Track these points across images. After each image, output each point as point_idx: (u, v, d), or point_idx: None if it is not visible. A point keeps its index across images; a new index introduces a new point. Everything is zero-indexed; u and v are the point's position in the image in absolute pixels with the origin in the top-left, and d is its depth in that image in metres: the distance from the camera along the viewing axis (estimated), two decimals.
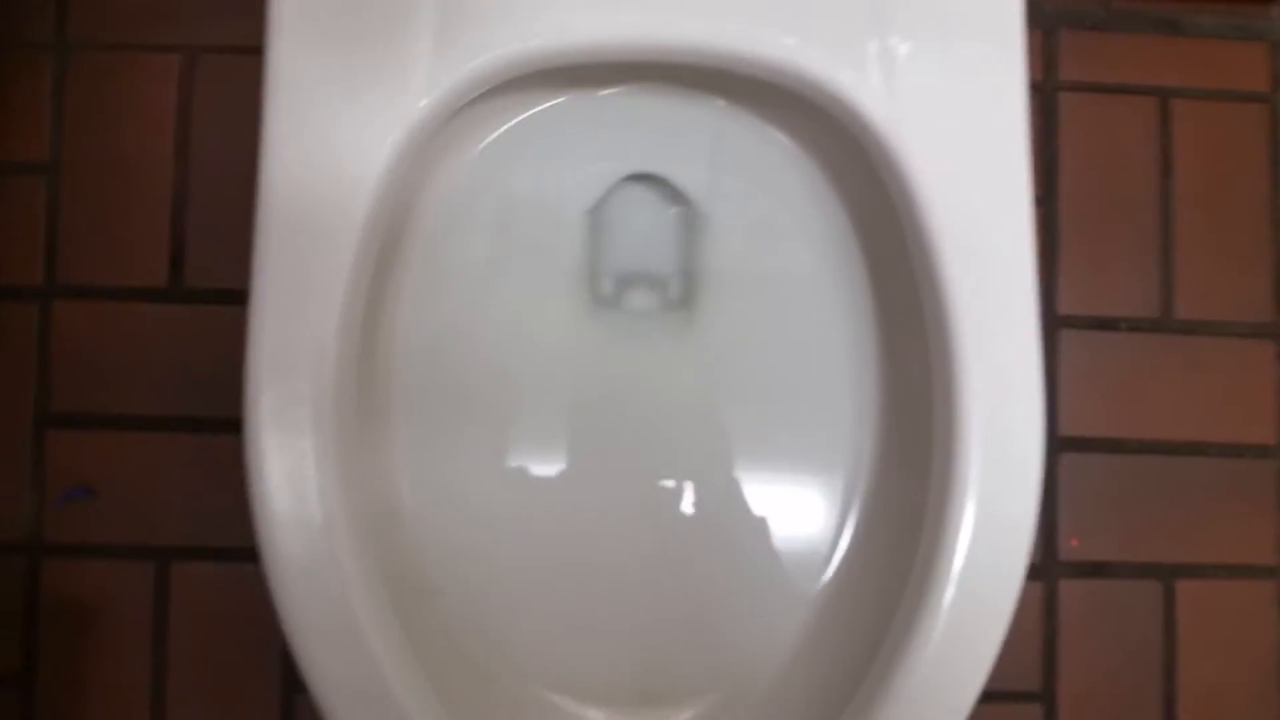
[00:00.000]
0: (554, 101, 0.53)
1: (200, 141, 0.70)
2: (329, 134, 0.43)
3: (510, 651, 0.51)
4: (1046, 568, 0.74)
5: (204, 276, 0.70)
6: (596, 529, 0.53)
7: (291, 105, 0.43)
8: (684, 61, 0.46)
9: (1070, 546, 0.75)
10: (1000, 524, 0.43)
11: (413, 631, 0.43)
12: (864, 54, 0.44)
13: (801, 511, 0.53)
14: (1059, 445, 0.77)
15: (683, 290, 0.56)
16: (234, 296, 0.68)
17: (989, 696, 0.73)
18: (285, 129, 0.43)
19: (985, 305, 0.43)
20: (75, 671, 0.67)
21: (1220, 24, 0.89)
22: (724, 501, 0.53)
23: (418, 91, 0.43)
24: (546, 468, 0.53)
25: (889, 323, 0.52)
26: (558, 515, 0.53)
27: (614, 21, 0.44)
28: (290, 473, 0.41)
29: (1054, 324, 0.79)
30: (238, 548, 0.67)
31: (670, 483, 0.54)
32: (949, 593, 0.43)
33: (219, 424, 0.68)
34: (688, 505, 0.54)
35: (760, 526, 0.53)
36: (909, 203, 0.44)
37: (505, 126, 0.53)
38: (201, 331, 0.69)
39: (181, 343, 0.69)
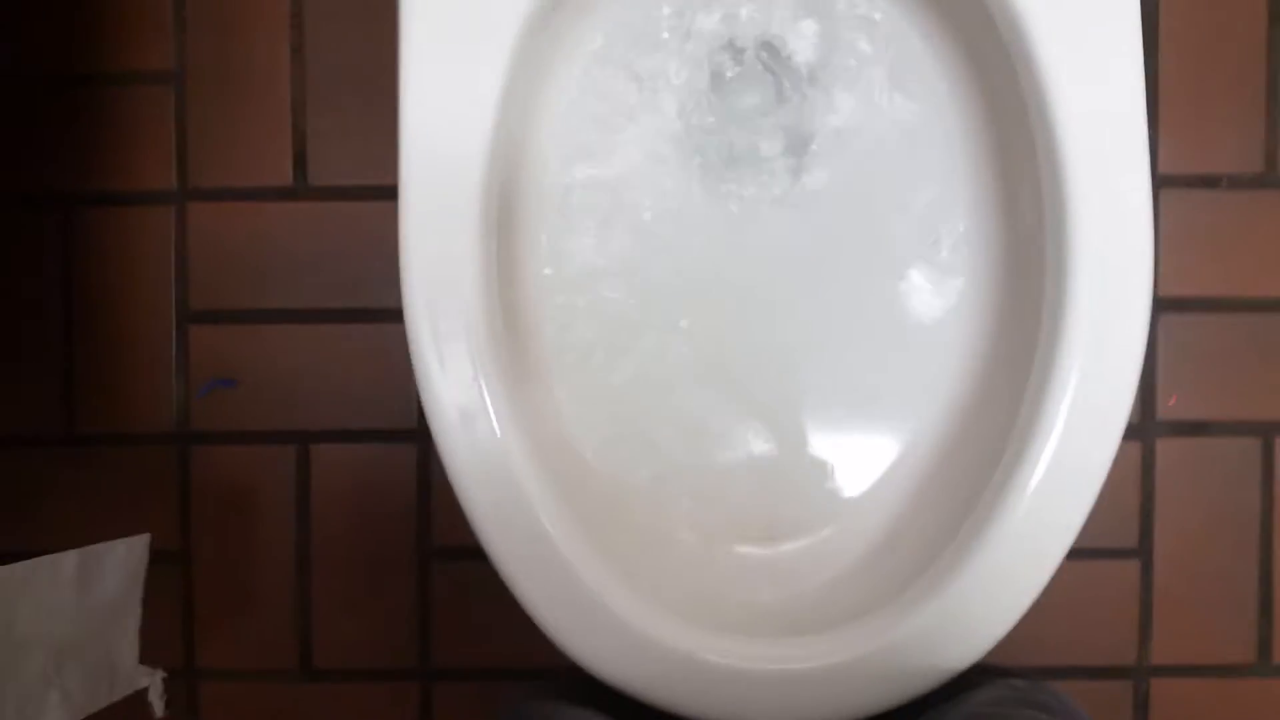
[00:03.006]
0: None
1: (314, 44, 0.72)
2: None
3: (655, 501, 0.56)
4: (1145, 427, 0.75)
5: (326, 174, 0.73)
6: (723, 389, 0.57)
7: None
8: None
9: (1169, 405, 0.76)
10: (1103, 379, 0.45)
11: (572, 499, 0.47)
12: None
13: (915, 362, 0.55)
14: (1159, 305, 0.77)
15: (796, 156, 0.57)
16: (355, 192, 0.72)
17: (1086, 553, 0.75)
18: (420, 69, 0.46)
19: (1100, 160, 0.44)
20: (227, 546, 0.73)
21: None
22: (840, 353, 0.56)
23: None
24: (674, 337, 0.57)
25: (1005, 174, 0.53)
26: (690, 375, 0.57)
27: None
28: (456, 379, 0.46)
29: (1155, 184, 0.78)
30: (371, 429, 0.72)
31: (787, 335, 0.57)
32: (1049, 445, 0.45)
33: (348, 314, 0.72)
34: (809, 364, 0.57)
35: (875, 375, 0.56)
36: (1026, 57, 0.45)
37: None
38: (327, 227, 0.72)
39: (308, 238, 0.72)
